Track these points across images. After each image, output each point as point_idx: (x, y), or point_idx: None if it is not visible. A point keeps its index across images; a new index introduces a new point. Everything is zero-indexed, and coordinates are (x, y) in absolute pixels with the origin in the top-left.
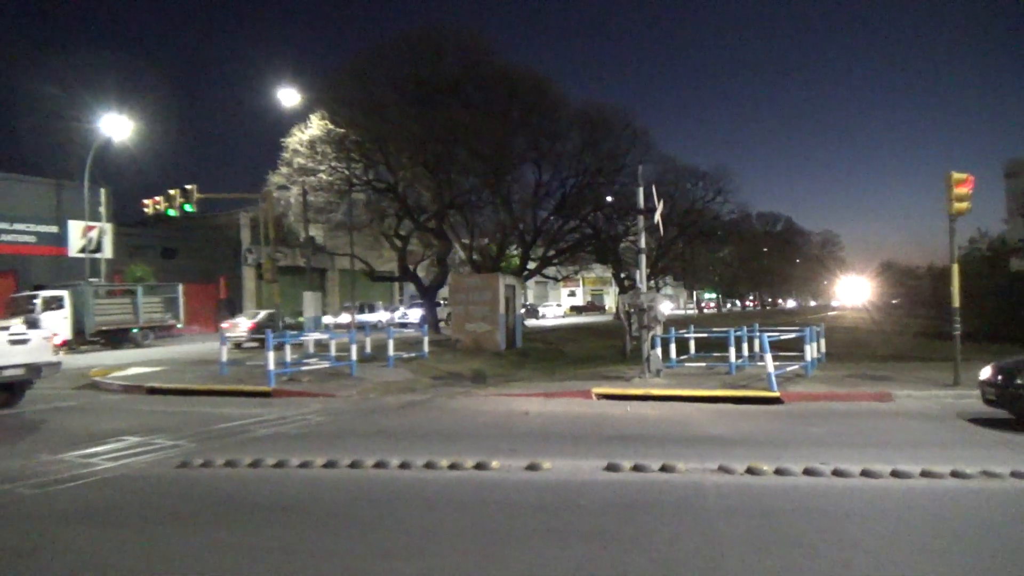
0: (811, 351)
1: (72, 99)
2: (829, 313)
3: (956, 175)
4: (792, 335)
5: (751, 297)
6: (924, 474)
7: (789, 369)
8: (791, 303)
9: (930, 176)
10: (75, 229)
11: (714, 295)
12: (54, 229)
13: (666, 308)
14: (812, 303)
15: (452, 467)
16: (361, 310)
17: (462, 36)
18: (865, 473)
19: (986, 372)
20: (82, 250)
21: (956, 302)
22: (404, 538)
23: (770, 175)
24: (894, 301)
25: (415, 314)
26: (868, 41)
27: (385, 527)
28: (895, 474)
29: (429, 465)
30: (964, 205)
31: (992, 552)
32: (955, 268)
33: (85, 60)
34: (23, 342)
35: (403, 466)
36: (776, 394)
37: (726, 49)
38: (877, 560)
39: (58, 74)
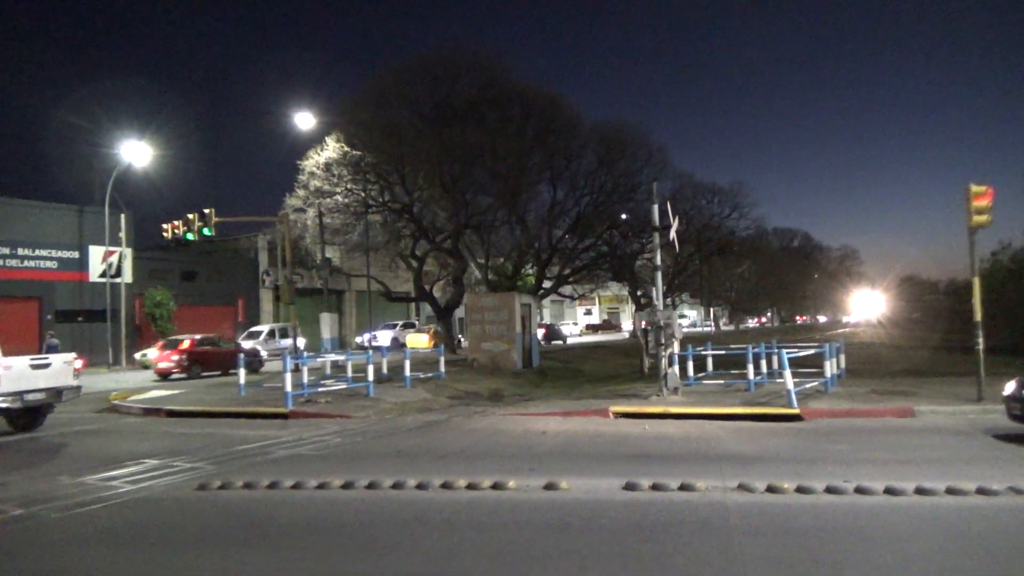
0: (831, 367)
1: (94, 126)
2: (842, 329)
3: (975, 187)
4: (811, 351)
5: (767, 314)
6: (949, 491)
7: (809, 385)
8: (799, 319)
9: (950, 189)
10: (95, 254)
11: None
12: (75, 255)
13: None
14: (823, 319)
15: (470, 487)
16: (272, 336)
17: (478, 57)
18: (889, 491)
19: (1011, 387)
20: (102, 275)
21: (978, 315)
22: (423, 560)
23: (789, 190)
24: (914, 315)
25: (385, 337)
26: (887, 53)
27: (403, 549)
28: (920, 491)
29: (447, 485)
30: (984, 218)
31: (1021, 571)
32: (976, 281)
33: (107, 87)
34: (44, 367)
35: (420, 487)
36: (796, 411)
37: (743, 64)
38: None
39: (81, 102)
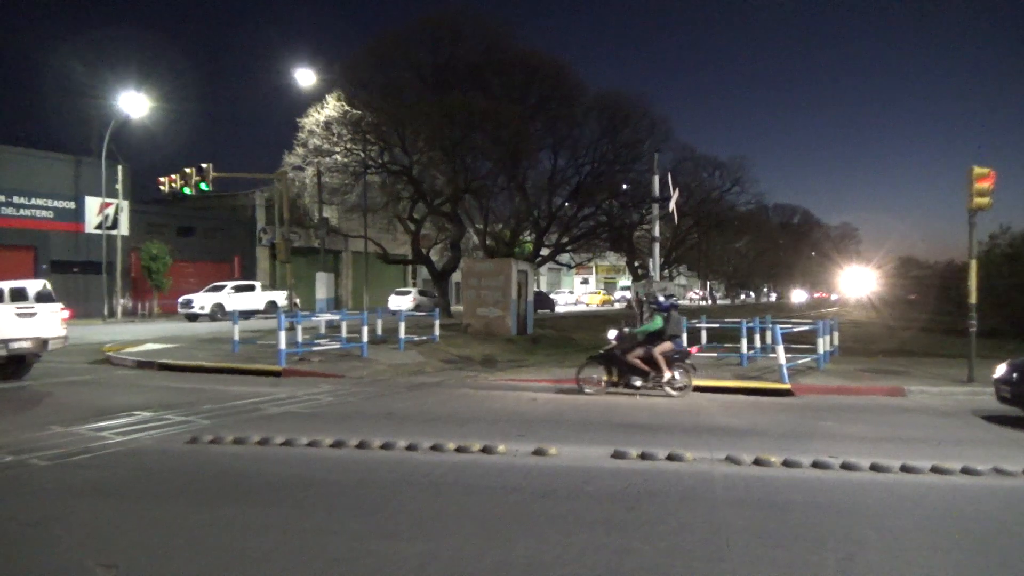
0: (824, 344)
1: (92, 76)
2: (831, 308)
3: (978, 169)
4: (805, 327)
5: (764, 289)
6: (934, 470)
7: (801, 362)
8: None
9: (952, 171)
10: (92, 205)
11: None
12: (71, 205)
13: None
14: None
15: (459, 450)
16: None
17: (481, 21)
18: (875, 467)
19: (1001, 370)
20: (98, 226)
21: (973, 298)
22: (408, 520)
23: (791, 167)
24: (911, 296)
25: (245, 301)
26: (892, 33)
27: (390, 508)
28: (905, 469)
29: (436, 447)
30: (985, 200)
31: (1000, 550)
32: (973, 264)
33: (105, 37)
34: (31, 315)
35: (410, 448)
36: (787, 386)
37: (748, 39)
38: (883, 555)
39: (79, 51)
